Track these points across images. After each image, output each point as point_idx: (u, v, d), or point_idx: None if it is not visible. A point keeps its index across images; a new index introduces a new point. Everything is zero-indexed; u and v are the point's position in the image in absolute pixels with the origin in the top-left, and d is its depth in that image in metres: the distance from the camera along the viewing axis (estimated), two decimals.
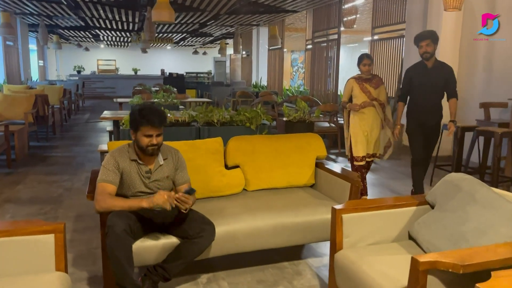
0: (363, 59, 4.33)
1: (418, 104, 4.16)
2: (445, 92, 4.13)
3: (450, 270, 1.63)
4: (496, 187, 3.31)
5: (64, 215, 3.96)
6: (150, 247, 2.42)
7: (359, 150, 4.34)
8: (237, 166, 3.25)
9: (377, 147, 4.42)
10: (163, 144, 2.56)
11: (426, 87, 4.08)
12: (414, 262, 1.67)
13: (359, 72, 4.40)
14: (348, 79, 4.51)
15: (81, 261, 2.98)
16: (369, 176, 5.34)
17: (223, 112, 4.42)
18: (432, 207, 2.37)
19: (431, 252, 2.03)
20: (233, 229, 2.64)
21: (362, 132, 4.31)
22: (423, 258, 1.66)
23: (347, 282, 2.16)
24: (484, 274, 1.55)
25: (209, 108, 4.40)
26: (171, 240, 2.46)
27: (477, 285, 1.43)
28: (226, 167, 3.24)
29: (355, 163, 4.38)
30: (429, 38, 3.93)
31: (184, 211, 2.36)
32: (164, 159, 2.54)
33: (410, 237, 2.36)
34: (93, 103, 16.85)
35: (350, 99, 4.48)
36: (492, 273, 1.50)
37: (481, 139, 4.84)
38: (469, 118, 6.05)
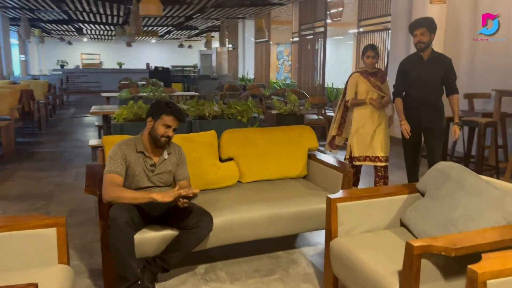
0: (367, 51, 3.96)
1: (412, 101, 3.68)
2: (444, 88, 3.69)
3: (442, 254, 1.72)
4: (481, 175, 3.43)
5: (57, 210, 3.95)
6: (149, 239, 2.46)
7: (360, 150, 4.05)
8: (231, 159, 3.30)
9: (381, 148, 4.03)
10: None
11: (421, 82, 3.60)
12: (408, 247, 1.75)
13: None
14: (352, 73, 4.17)
15: (78, 255, 3.00)
16: None
17: (214, 106, 4.46)
18: (423, 195, 2.46)
19: (422, 238, 2.12)
20: (229, 220, 2.69)
21: (367, 130, 4.01)
22: (417, 243, 1.74)
23: (343, 268, 2.24)
24: (474, 257, 1.63)
25: (200, 101, 4.43)
26: (170, 232, 2.50)
27: (469, 266, 1.51)
28: (220, 159, 3.28)
29: (357, 163, 4.10)
30: (424, 26, 3.47)
31: (181, 206, 2.41)
32: (168, 154, 2.59)
33: (402, 224, 2.45)
34: (78, 98, 16.64)
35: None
36: (483, 255, 1.58)
37: (466, 129, 4.98)
38: None
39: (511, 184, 2.26)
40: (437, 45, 6.63)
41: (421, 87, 3.61)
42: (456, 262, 1.86)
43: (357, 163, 4.11)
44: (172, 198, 2.34)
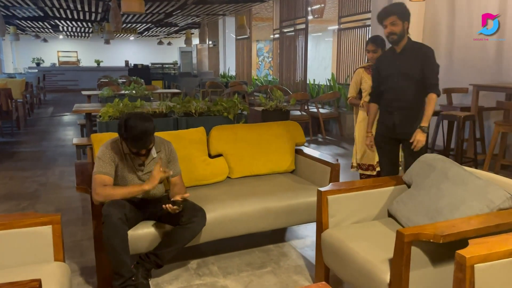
0: (367, 44, 3.67)
1: (385, 104, 3.10)
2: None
3: (431, 241, 1.80)
4: None
5: (43, 209, 3.91)
6: (142, 235, 2.47)
7: (369, 157, 3.76)
8: (220, 155, 3.33)
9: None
10: (156, 137, 2.57)
11: (393, 80, 3.00)
12: (399, 235, 1.83)
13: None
14: (357, 69, 3.90)
15: (69, 253, 2.98)
16: (342, 162, 5.53)
17: (200, 102, 4.47)
18: (409, 186, 2.55)
19: (409, 227, 2.20)
20: (220, 215, 2.73)
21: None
22: (408, 231, 1.82)
23: (335, 258, 2.31)
24: (459, 245, 1.71)
25: (186, 98, 4.44)
26: (163, 228, 2.52)
27: (457, 251, 1.59)
28: (210, 156, 3.31)
29: (361, 172, 3.94)
30: (394, 13, 2.90)
31: (175, 210, 2.40)
32: (157, 152, 2.58)
33: (390, 215, 2.53)
34: (56, 96, 16.32)
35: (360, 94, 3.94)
36: (469, 241, 1.67)
37: (445, 123, 5.13)
38: None
39: (491, 173, 2.37)
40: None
41: (394, 86, 3.00)
42: (444, 249, 1.95)
43: (360, 171, 3.97)
44: (156, 181, 2.39)
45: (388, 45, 3.16)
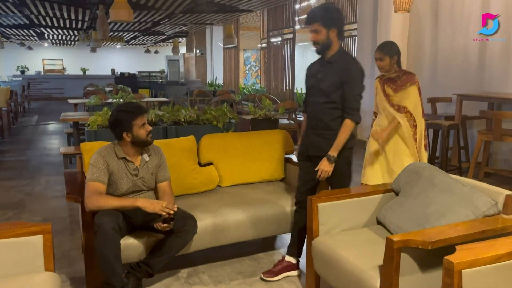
0: (375, 52, 3.22)
1: (308, 117, 2.76)
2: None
3: (420, 247, 1.84)
4: None
5: (30, 219, 3.85)
6: (134, 245, 2.47)
7: (368, 177, 3.36)
8: (210, 164, 3.34)
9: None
10: None
11: (312, 92, 2.66)
12: (389, 242, 1.86)
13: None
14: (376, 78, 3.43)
15: (57, 264, 2.90)
16: None
17: (190, 111, 4.48)
18: (397, 194, 2.60)
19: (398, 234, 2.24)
20: (211, 223, 2.74)
21: (378, 154, 3.32)
22: (397, 238, 1.86)
23: (325, 266, 2.33)
24: (446, 252, 1.75)
25: (176, 107, 4.44)
26: (154, 237, 2.52)
27: (445, 257, 1.63)
28: (200, 164, 3.32)
29: None
30: (316, 20, 2.48)
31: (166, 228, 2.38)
32: (149, 156, 2.59)
33: (379, 222, 2.57)
34: (40, 104, 16.12)
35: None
36: (457, 247, 1.71)
37: (430, 131, 5.24)
38: None
39: (476, 181, 2.44)
40: (401, 52, 6.94)
41: (312, 100, 2.67)
42: (432, 255, 1.99)
43: None
44: (159, 211, 2.32)
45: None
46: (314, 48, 2.57)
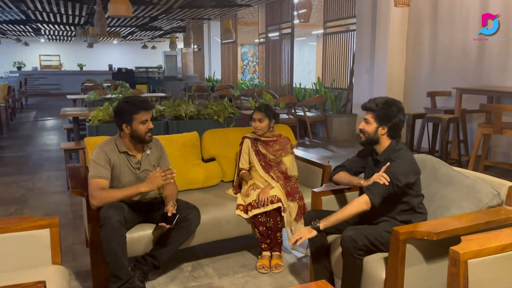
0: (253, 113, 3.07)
1: None
2: None
3: (425, 238, 1.86)
4: None
5: (32, 214, 3.85)
6: (138, 238, 2.48)
7: None
8: (213, 159, 3.35)
9: None
10: None
11: None
12: (395, 233, 1.88)
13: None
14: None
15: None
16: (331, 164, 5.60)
17: (191, 106, 4.49)
18: None
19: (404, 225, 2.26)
20: (214, 217, 2.76)
21: None
22: (403, 229, 1.88)
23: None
24: (450, 243, 1.77)
25: (176, 102, 4.45)
26: (158, 230, 2.52)
27: (451, 247, 1.65)
28: (203, 159, 3.33)
29: None
30: (370, 111, 2.28)
31: (169, 225, 2.38)
32: (149, 149, 2.61)
33: None
34: (38, 100, 16.08)
35: None
36: (462, 237, 1.73)
37: (430, 125, 5.26)
38: (417, 106, 6.51)
39: (478, 172, 2.45)
40: (400, 47, 6.95)
41: None
42: (437, 247, 2.01)
43: None
44: (164, 183, 2.36)
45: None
46: (360, 136, 2.35)
